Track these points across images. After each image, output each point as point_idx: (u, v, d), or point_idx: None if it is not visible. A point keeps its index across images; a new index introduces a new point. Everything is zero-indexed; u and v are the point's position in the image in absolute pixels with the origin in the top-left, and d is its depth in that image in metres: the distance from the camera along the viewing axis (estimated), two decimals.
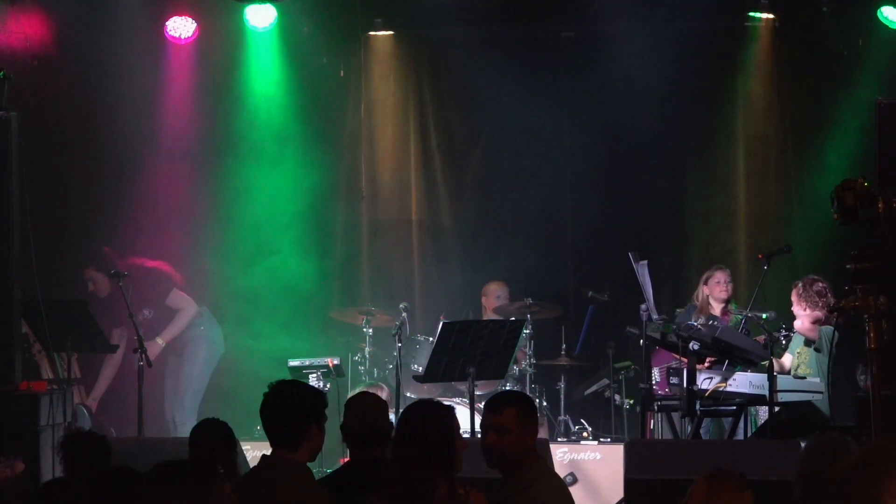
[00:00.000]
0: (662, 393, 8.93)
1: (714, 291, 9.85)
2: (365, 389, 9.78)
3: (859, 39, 10.44)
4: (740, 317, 9.25)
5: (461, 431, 4.70)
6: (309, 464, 4.90)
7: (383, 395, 9.79)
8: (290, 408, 4.81)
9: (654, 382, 9.51)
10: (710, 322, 8.88)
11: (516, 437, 4.92)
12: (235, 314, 10.80)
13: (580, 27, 11.27)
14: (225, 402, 9.88)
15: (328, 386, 9.57)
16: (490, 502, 4.56)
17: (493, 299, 10.70)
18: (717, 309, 9.80)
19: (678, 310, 10.07)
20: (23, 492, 6.45)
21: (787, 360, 9.10)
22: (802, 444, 6.90)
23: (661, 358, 9.69)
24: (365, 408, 5.34)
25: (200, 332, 10.39)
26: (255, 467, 5.00)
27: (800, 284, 9.10)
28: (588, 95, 11.23)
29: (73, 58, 10.42)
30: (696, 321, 8.92)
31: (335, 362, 9.64)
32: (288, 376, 9.37)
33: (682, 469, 7.10)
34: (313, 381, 9.46)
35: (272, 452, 4.87)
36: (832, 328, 8.90)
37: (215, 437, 5.49)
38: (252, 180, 11.13)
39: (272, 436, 4.86)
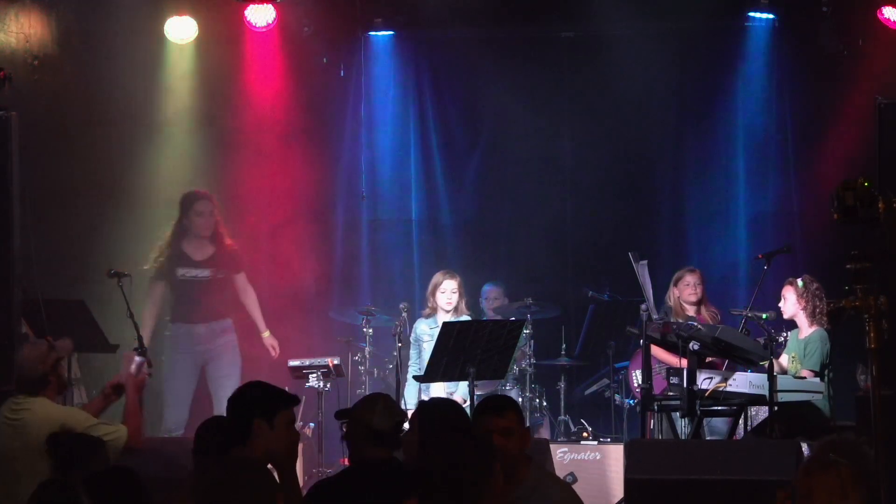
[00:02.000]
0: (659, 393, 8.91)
1: (684, 294, 9.69)
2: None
3: (859, 39, 10.43)
4: (740, 317, 9.24)
5: None
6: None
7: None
8: (234, 405, 4.92)
9: (637, 383, 9.51)
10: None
11: (518, 438, 4.89)
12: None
13: (580, 27, 11.27)
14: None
15: (328, 386, 9.56)
16: None
17: (492, 302, 10.72)
18: (691, 310, 9.65)
19: None
20: None
21: (784, 360, 9.09)
22: (804, 445, 6.93)
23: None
24: (391, 405, 5.25)
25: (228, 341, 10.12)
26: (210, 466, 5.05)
27: (799, 283, 9.06)
28: (588, 95, 11.24)
29: (73, 58, 10.41)
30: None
31: (335, 362, 9.62)
32: (288, 377, 9.39)
33: (682, 469, 7.13)
34: (313, 381, 9.45)
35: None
36: (826, 332, 8.92)
37: (221, 435, 5.50)
38: (252, 180, 11.11)
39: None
